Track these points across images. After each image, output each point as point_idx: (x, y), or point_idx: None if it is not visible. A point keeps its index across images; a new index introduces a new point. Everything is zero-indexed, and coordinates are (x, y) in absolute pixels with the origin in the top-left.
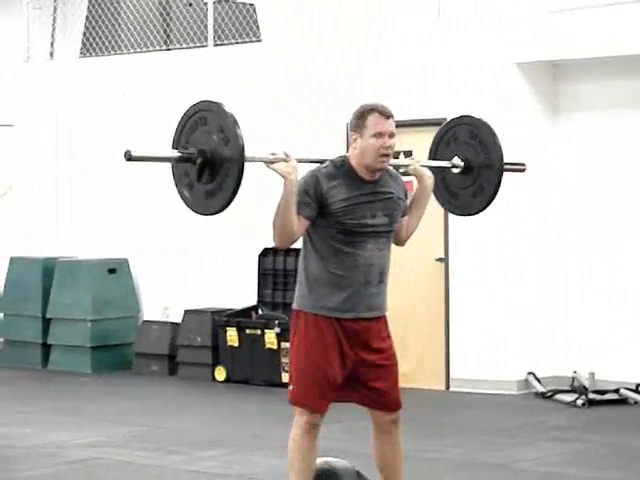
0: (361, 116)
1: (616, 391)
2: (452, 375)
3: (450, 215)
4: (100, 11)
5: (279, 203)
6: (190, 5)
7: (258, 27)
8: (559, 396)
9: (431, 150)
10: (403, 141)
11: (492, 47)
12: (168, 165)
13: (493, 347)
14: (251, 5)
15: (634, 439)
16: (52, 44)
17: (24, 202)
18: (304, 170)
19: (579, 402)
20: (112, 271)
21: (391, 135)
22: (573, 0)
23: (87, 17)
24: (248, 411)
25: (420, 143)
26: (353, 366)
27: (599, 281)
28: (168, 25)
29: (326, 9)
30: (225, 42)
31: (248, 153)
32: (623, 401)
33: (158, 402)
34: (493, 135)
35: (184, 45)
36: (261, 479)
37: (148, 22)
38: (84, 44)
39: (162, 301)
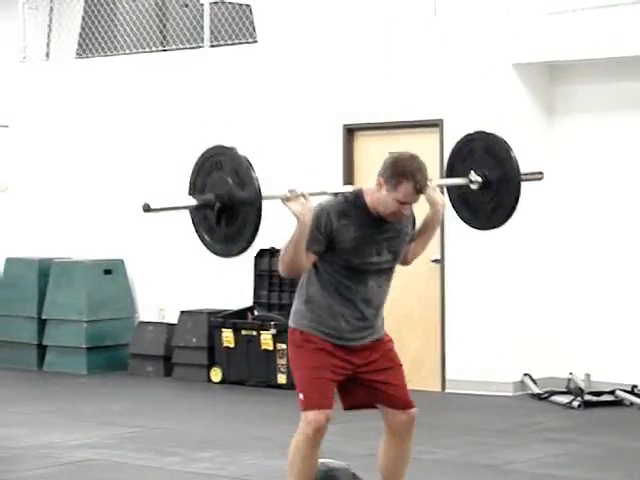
0: (398, 176)
1: (612, 393)
2: (448, 376)
3: (446, 216)
4: (96, 12)
5: (290, 240)
6: (186, 6)
7: (254, 28)
8: (555, 397)
9: (448, 167)
10: (400, 142)
11: (489, 48)
12: (164, 166)
13: (489, 348)
14: (247, 6)
15: (630, 441)
16: (48, 44)
17: (20, 203)
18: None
19: (575, 404)
20: (108, 272)
21: (412, 203)
22: (570, 1)
23: (83, 18)
24: (244, 412)
25: (417, 144)
26: (355, 369)
27: (595, 283)
28: (164, 26)
29: (322, 10)
30: (221, 43)
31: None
32: (619, 403)
33: (153, 403)
34: (508, 149)
35: (180, 46)
36: None
37: (144, 23)
38: (80, 45)
39: (158, 302)
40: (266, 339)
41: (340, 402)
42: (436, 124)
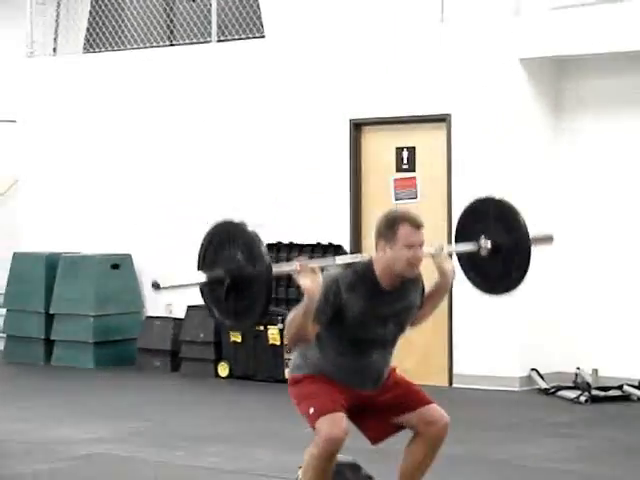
0: (391, 226)
1: (619, 388)
2: (455, 371)
3: (453, 210)
4: (103, 6)
5: (298, 311)
6: (194, 1)
7: (262, 23)
8: (562, 392)
9: (457, 231)
10: (407, 137)
11: (496, 43)
12: (172, 160)
13: (496, 343)
14: (255, 1)
15: (637, 435)
16: (55, 39)
17: (27, 197)
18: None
19: (582, 399)
20: (115, 266)
21: (421, 245)
22: None
23: (90, 12)
24: (251, 407)
25: (424, 139)
26: (363, 399)
27: (602, 278)
28: (172, 21)
29: (329, 5)
30: (229, 38)
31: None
32: (626, 398)
33: (161, 398)
34: (517, 215)
35: (187, 41)
36: (264, 474)
37: (152, 18)
38: (87, 40)
39: (165, 297)
40: (273, 334)
41: (367, 440)
42: (443, 119)
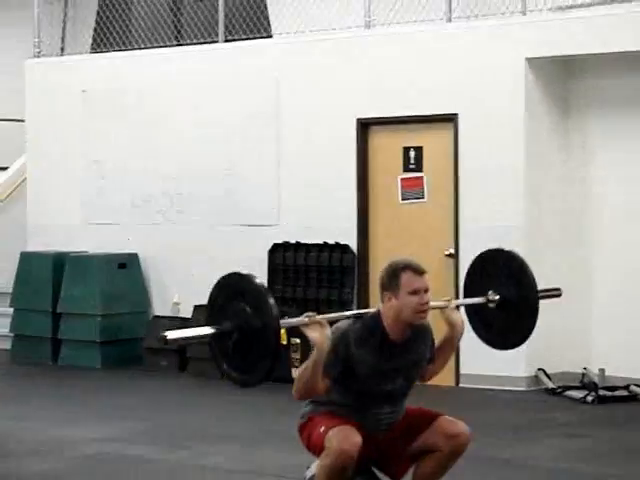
0: (394, 275)
1: (626, 388)
2: (462, 371)
3: (460, 210)
4: (111, 6)
5: (307, 365)
6: (201, 0)
7: (269, 22)
8: (569, 392)
9: (465, 284)
10: (414, 137)
11: (503, 43)
12: (179, 160)
13: None
14: (262, 0)
15: None
16: (63, 39)
17: (35, 197)
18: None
19: (589, 399)
20: (122, 266)
21: (426, 290)
22: None
23: (98, 12)
24: (257, 406)
25: (431, 139)
26: (380, 442)
27: (609, 277)
28: (179, 20)
29: (336, 4)
30: (236, 37)
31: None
32: (633, 398)
33: (168, 397)
34: (525, 268)
35: (195, 40)
36: (270, 474)
37: (159, 17)
38: (95, 39)
39: (172, 296)
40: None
41: (389, 478)
42: (450, 119)
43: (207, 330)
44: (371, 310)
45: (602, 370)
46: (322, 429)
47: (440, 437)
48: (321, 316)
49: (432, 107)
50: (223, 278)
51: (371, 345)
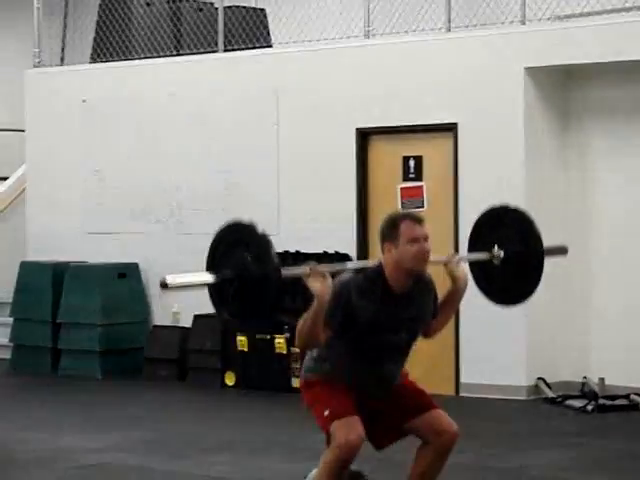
0: (393, 226)
1: (626, 397)
2: (462, 380)
3: (460, 219)
4: (111, 16)
5: (308, 315)
6: (200, 10)
7: (268, 32)
8: (569, 402)
9: (471, 239)
10: (414, 146)
11: (502, 52)
12: (178, 169)
13: (503, 352)
14: (261, 10)
15: None
16: (63, 49)
17: (35, 206)
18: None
19: (589, 408)
20: (122, 275)
21: (426, 238)
22: (584, 5)
23: (97, 22)
24: (258, 416)
25: (431, 148)
26: (373, 407)
27: (609, 286)
28: (178, 30)
29: (336, 13)
30: (235, 47)
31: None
32: (633, 407)
33: (167, 407)
34: (531, 224)
35: (194, 50)
36: None
37: (159, 27)
38: (95, 49)
39: (172, 306)
40: (280, 343)
41: (371, 444)
42: (450, 128)
43: (208, 277)
44: (374, 261)
45: (602, 379)
46: (326, 413)
47: (427, 431)
48: (323, 265)
49: (432, 117)
50: (225, 227)
51: (373, 295)
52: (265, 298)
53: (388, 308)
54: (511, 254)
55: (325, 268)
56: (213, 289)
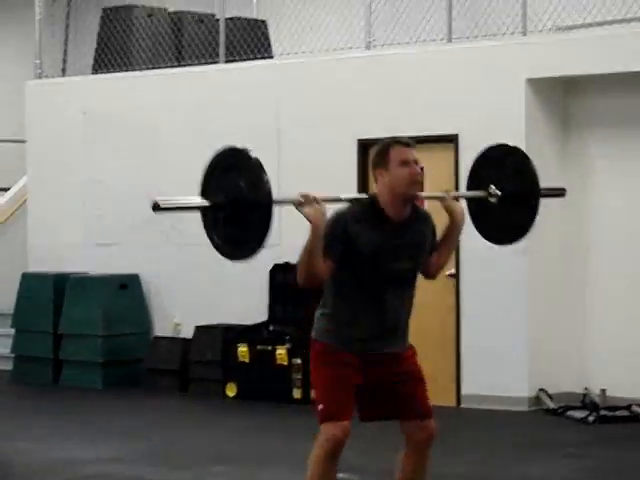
0: (383, 151)
1: (627, 408)
2: (463, 391)
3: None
4: (112, 27)
5: (305, 246)
6: (202, 21)
7: (269, 43)
8: (570, 413)
9: (469, 176)
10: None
11: (503, 63)
12: (180, 181)
13: (504, 363)
14: (262, 22)
15: None
16: (64, 60)
17: (36, 217)
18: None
19: (590, 419)
20: (123, 287)
21: (416, 162)
22: (585, 16)
23: (99, 33)
24: (259, 427)
25: (432, 159)
26: (376, 381)
27: (611, 298)
28: (180, 41)
29: (337, 24)
30: (237, 58)
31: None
32: (634, 418)
33: (169, 418)
34: (528, 162)
35: (195, 61)
36: None
37: (160, 38)
38: (96, 60)
39: (173, 317)
40: (281, 354)
41: (357, 413)
42: (451, 139)
43: (200, 201)
44: (369, 193)
45: (603, 390)
46: (320, 407)
47: (411, 432)
48: (316, 192)
49: (433, 128)
50: (219, 152)
51: (369, 222)
52: (256, 224)
53: (386, 235)
54: (508, 192)
55: (318, 195)
56: (205, 214)
